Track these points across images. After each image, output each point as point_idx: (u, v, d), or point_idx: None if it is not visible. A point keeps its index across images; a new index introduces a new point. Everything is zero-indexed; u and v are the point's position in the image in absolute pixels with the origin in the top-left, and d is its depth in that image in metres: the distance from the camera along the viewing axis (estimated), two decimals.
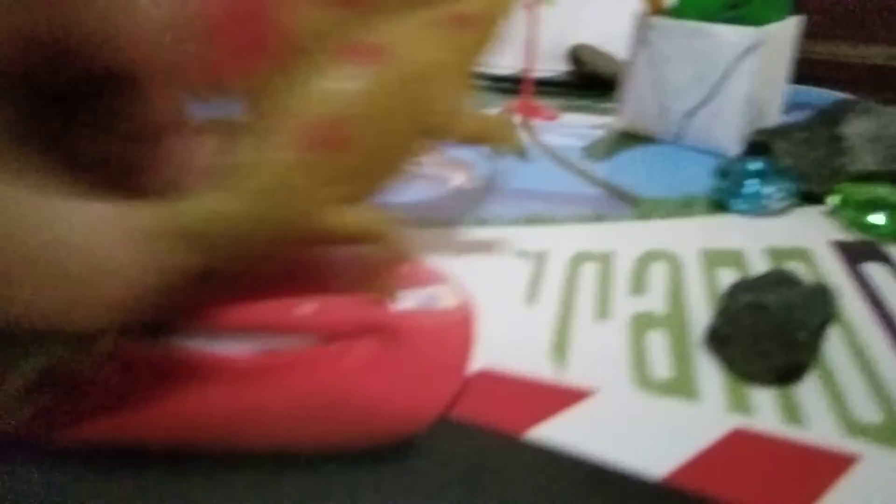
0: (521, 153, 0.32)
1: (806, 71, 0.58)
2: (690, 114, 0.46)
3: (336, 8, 0.25)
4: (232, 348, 0.25)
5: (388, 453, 0.21)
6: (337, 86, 0.24)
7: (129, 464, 0.21)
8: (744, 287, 0.26)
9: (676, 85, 0.46)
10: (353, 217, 0.26)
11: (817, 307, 0.24)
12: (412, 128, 0.27)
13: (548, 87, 0.61)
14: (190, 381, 0.23)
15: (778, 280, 0.26)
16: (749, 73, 0.44)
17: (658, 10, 0.46)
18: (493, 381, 0.24)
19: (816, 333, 0.24)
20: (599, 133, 0.51)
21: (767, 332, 0.24)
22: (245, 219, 0.22)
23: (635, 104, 0.49)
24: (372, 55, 0.25)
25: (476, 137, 0.30)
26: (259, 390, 0.23)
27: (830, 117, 0.41)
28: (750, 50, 0.43)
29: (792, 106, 0.58)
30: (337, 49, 0.25)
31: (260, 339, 0.25)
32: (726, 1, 0.44)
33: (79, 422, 0.22)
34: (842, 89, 0.64)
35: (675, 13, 0.46)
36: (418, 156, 0.28)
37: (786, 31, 0.47)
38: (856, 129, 0.39)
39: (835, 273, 0.32)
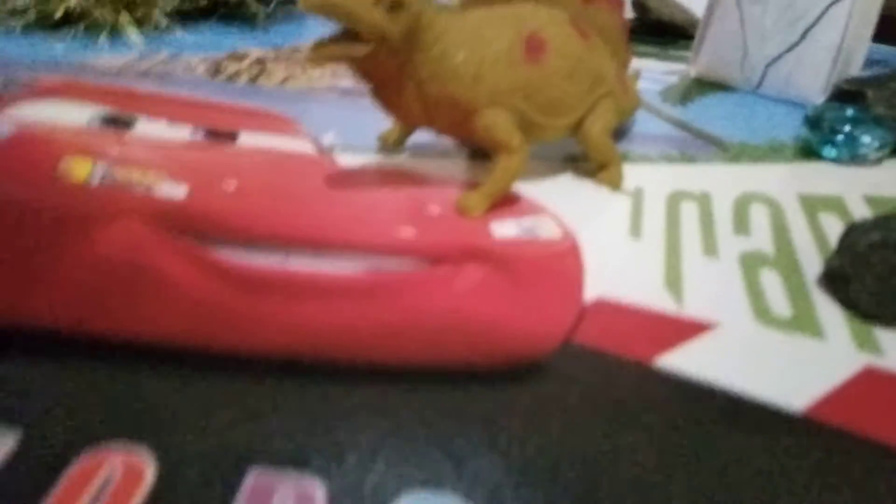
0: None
1: (881, 29, 0.56)
2: (774, 61, 0.45)
3: None
4: (336, 266, 0.24)
5: (514, 376, 0.21)
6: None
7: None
8: (867, 226, 0.25)
9: (763, 29, 0.44)
10: (507, 124, 0.28)
11: None
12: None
13: None
14: (297, 297, 0.23)
15: None
16: (842, 21, 0.42)
17: None
18: (612, 311, 0.23)
19: None
20: (673, 79, 0.49)
21: None
22: None
23: (714, 49, 0.47)
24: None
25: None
26: (369, 308, 0.22)
27: None
28: None
29: (868, 63, 0.56)
30: None
31: (364, 259, 0.25)
32: None
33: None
34: None
35: None
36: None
37: None
38: None
39: None
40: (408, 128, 0.33)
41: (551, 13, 0.30)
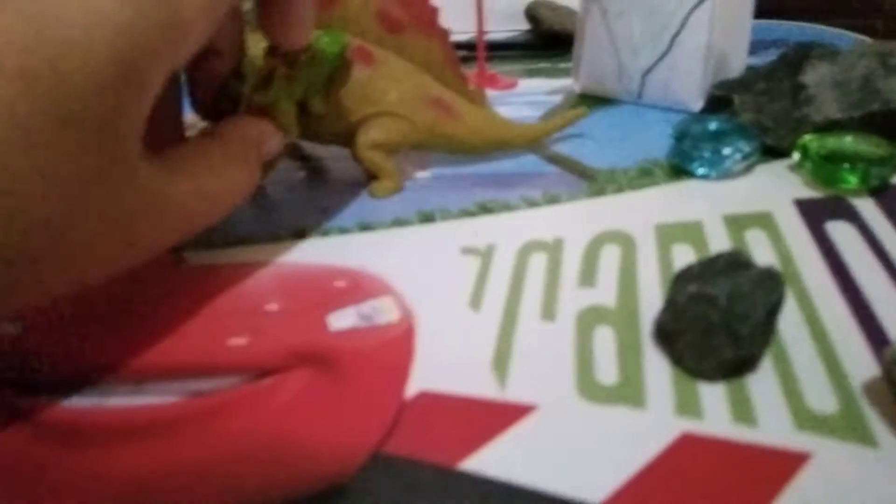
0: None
1: (769, 3, 0.55)
2: (648, 71, 0.44)
3: None
4: (155, 397, 0.24)
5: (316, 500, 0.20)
6: None
7: None
8: (691, 275, 0.24)
9: (631, 42, 0.44)
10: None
11: (763, 295, 0.23)
12: None
13: (506, 50, 0.59)
14: (109, 441, 0.22)
15: (727, 264, 0.24)
16: (705, 24, 0.41)
17: None
18: (431, 405, 0.23)
19: (764, 324, 0.22)
20: (557, 100, 0.48)
21: (714, 325, 0.22)
22: None
23: (591, 65, 0.47)
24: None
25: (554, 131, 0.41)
26: (182, 441, 0.22)
27: (790, 64, 0.39)
28: (703, 0, 0.41)
29: (758, 44, 0.55)
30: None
31: (188, 384, 0.24)
32: None
33: None
34: (802, 18, 0.62)
35: None
36: None
37: None
38: (816, 76, 0.37)
39: (797, 237, 0.31)
40: None
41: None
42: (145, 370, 0.25)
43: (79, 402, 0.23)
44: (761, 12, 0.49)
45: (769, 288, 0.23)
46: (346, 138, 0.37)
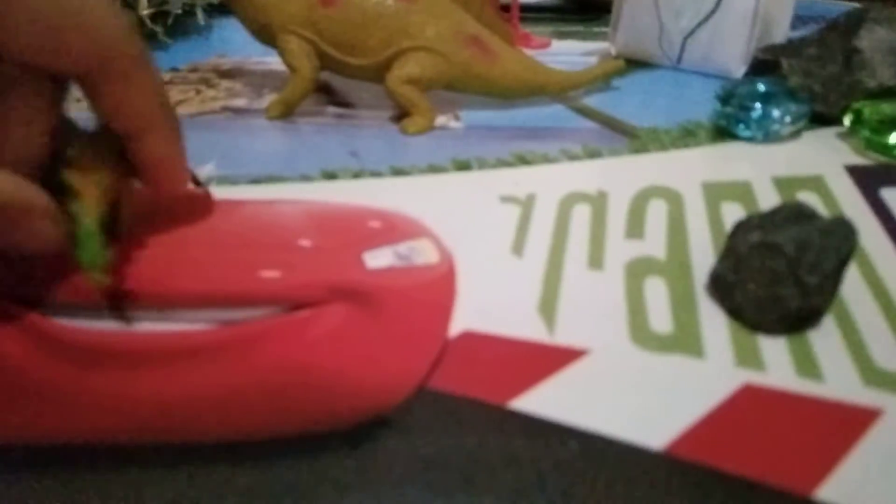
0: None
1: None
2: (691, 34, 0.43)
3: None
4: (187, 323, 0.23)
5: (359, 431, 0.19)
6: None
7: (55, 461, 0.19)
8: (752, 225, 0.23)
9: (676, 2, 0.42)
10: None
11: (834, 244, 0.21)
12: None
13: (539, 12, 0.57)
14: (141, 365, 0.21)
15: (790, 215, 0.23)
16: None
17: None
18: (476, 345, 0.22)
19: (833, 275, 0.21)
20: (591, 61, 0.47)
21: (778, 275, 0.21)
22: None
23: (630, 28, 0.45)
24: None
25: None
26: (211, 368, 0.21)
27: (843, 29, 0.37)
28: None
29: (799, 20, 0.54)
30: None
31: (218, 311, 0.23)
32: None
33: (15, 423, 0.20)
34: None
35: None
36: None
37: None
38: (871, 41, 0.35)
39: (851, 201, 0.29)
40: (293, 93, 0.37)
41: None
42: (174, 297, 0.23)
43: (106, 326, 0.22)
44: None
45: (840, 237, 0.21)
46: (379, 72, 0.36)
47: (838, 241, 0.21)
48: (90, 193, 0.22)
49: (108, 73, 0.21)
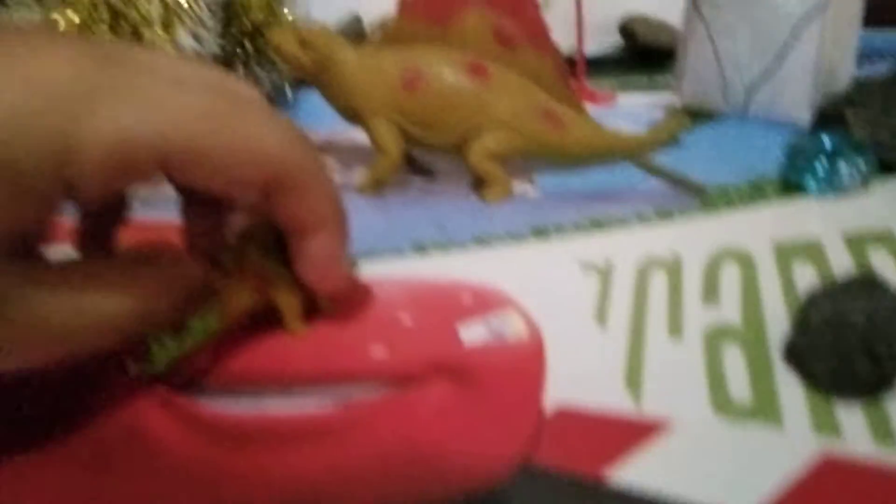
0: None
1: (879, 12, 0.54)
2: (755, 86, 0.44)
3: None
4: (307, 403, 0.26)
5: None
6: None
7: None
8: (823, 296, 0.25)
9: (737, 57, 0.44)
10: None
11: None
12: None
13: (601, 65, 0.60)
14: (272, 444, 0.24)
15: (860, 285, 0.25)
16: (814, 40, 0.41)
17: None
18: (570, 418, 0.24)
19: None
20: (658, 114, 0.49)
21: (851, 347, 0.23)
22: None
23: (694, 80, 0.47)
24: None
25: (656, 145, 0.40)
26: (342, 447, 0.24)
27: None
28: (812, 15, 0.41)
29: (866, 55, 0.54)
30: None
31: (334, 391, 0.26)
32: None
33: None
34: None
35: None
36: None
37: None
38: None
39: None
40: (384, 172, 0.40)
41: (443, 55, 0.39)
42: (298, 377, 0.26)
43: (241, 407, 0.25)
44: (867, 21, 0.48)
45: None
46: (458, 147, 0.39)
47: None
48: (229, 303, 0.25)
49: (282, 188, 0.23)
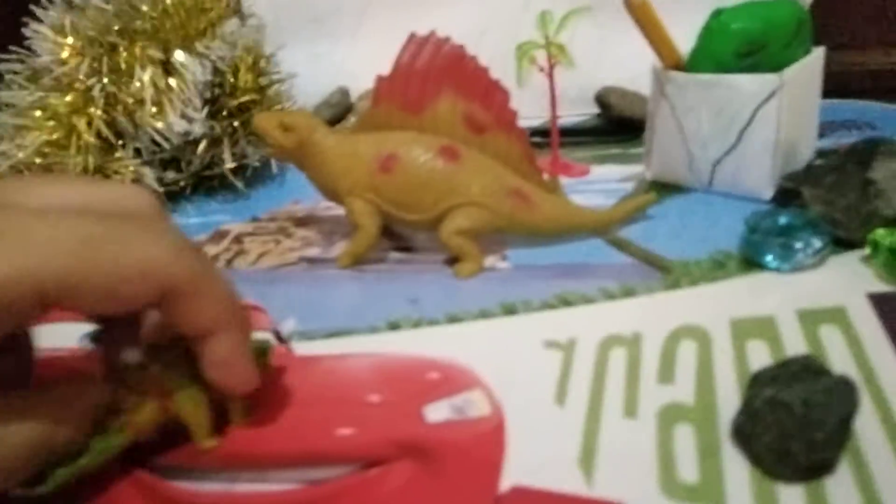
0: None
1: (839, 82, 0.56)
2: (718, 162, 0.46)
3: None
4: (277, 484, 0.27)
5: None
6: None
7: None
8: (766, 379, 0.26)
9: (700, 135, 0.46)
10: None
11: (839, 402, 0.24)
12: None
13: (576, 135, 0.62)
14: None
15: (802, 368, 0.26)
16: (773, 119, 0.43)
17: (673, 64, 0.47)
18: (522, 500, 0.25)
19: (840, 430, 0.24)
20: (628, 187, 0.51)
21: (789, 430, 0.24)
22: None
23: (661, 154, 0.49)
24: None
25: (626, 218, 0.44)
26: None
27: (859, 158, 0.40)
28: (770, 96, 0.43)
29: (828, 125, 0.56)
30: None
31: (301, 471, 0.27)
32: (739, 50, 0.43)
33: None
34: (877, 98, 0.63)
35: (690, 66, 0.46)
36: None
37: (809, 68, 0.46)
38: (885, 171, 0.38)
39: (871, 333, 0.32)
40: (360, 247, 0.42)
41: (416, 139, 0.41)
42: (267, 458, 0.27)
43: (211, 487, 0.27)
44: (826, 91, 0.50)
45: (844, 396, 0.24)
46: (433, 225, 0.41)
47: (841, 401, 0.24)
48: (132, 420, 0.25)
49: (174, 298, 0.23)
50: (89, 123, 0.49)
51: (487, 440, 0.28)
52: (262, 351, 0.28)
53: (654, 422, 0.28)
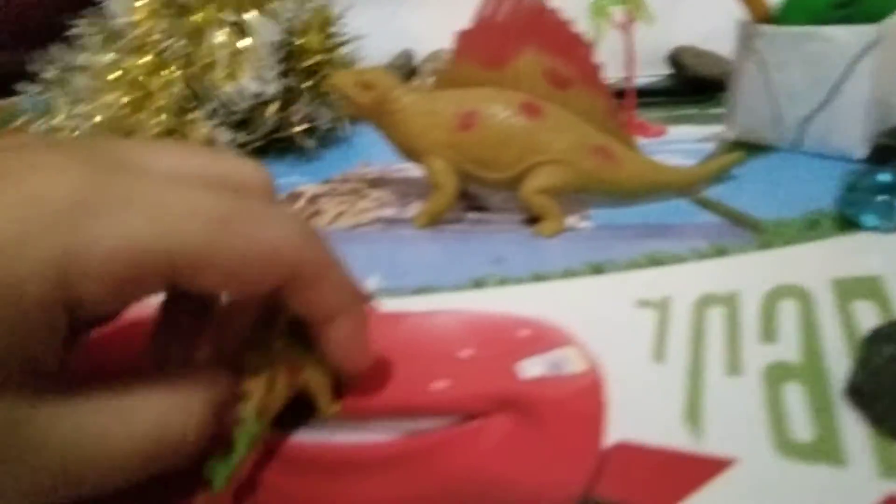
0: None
1: None
2: (808, 120, 0.44)
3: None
4: (377, 435, 0.27)
5: None
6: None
7: None
8: (884, 335, 0.25)
9: (790, 91, 0.44)
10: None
11: None
12: None
13: (649, 96, 0.60)
14: (340, 473, 0.25)
15: None
16: (869, 74, 0.41)
17: (762, 17, 0.45)
18: (629, 454, 0.24)
19: None
20: (709, 147, 0.49)
21: None
22: None
23: (746, 113, 0.48)
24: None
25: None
26: (408, 477, 0.25)
27: None
28: (867, 49, 0.41)
29: None
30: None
31: (399, 423, 0.27)
32: (834, 1, 0.41)
33: None
34: None
35: (781, 18, 0.44)
36: None
37: None
38: None
39: None
40: (439, 207, 0.41)
41: (497, 96, 0.40)
42: (365, 410, 0.27)
43: (311, 438, 0.27)
44: None
45: None
46: (513, 184, 0.40)
47: None
48: (259, 401, 0.24)
49: (298, 284, 0.22)
50: (164, 85, 0.49)
51: (586, 396, 0.27)
52: None
53: (760, 380, 0.27)
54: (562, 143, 0.39)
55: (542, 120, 0.39)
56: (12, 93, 0.56)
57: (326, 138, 0.56)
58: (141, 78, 0.49)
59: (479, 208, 0.44)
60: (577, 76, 0.40)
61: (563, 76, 0.40)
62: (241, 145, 0.53)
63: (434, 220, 0.42)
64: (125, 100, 0.49)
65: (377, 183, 0.50)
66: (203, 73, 0.49)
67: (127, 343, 0.27)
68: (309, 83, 0.53)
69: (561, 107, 0.40)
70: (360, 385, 0.28)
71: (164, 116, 0.49)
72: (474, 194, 0.45)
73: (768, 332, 0.30)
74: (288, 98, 0.53)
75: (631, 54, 0.51)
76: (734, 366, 0.28)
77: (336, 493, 0.24)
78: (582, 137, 0.40)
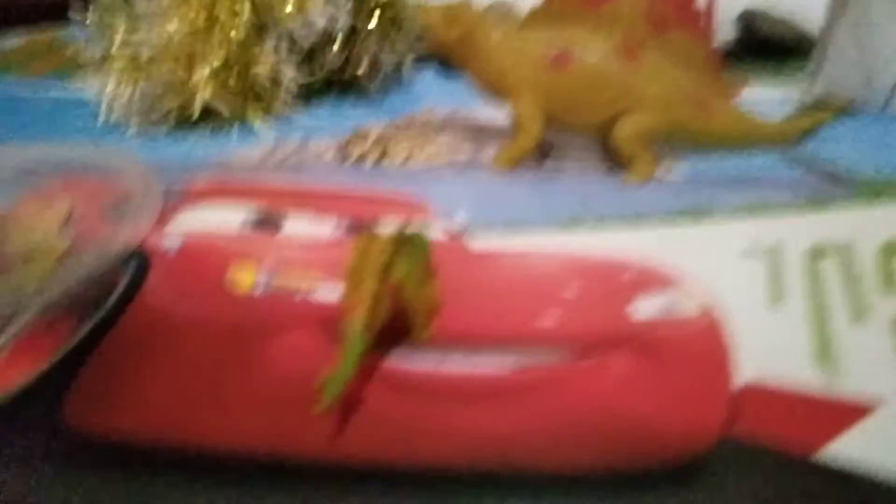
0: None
1: None
2: None
3: None
4: (486, 364, 0.26)
5: (668, 480, 0.21)
6: None
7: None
8: None
9: (884, 53, 0.43)
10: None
11: None
12: None
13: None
14: (448, 402, 0.24)
15: None
16: None
17: None
18: (763, 396, 0.23)
19: None
20: (786, 109, 0.48)
21: None
22: None
23: (833, 75, 0.46)
24: None
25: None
26: (524, 410, 0.24)
27: None
28: None
29: None
30: None
31: (511, 354, 0.26)
32: None
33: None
34: None
35: None
36: None
37: None
38: None
39: None
40: (522, 149, 0.40)
41: (593, 36, 0.38)
42: (474, 339, 0.26)
43: (420, 364, 0.26)
44: None
45: None
46: (599, 129, 0.39)
47: None
48: (365, 316, 0.24)
49: None
50: (231, 14, 0.48)
51: (707, 338, 0.26)
52: (420, 245, 0.27)
53: (888, 326, 0.26)
54: (657, 89, 0.38)
55: (639, 63, 0.38)
56: (66, 19, 0.54)
57: (389, 80, 0.54)
58: (208, 6, 0.47)
59: (559, 156, 0.43)
60: (678, 18, 0.38)
61: (664, 17, 0.38)
62: (303, 83, 0.51)
63: (514, 164, 0.40)
64: (190, 28, 0.47)
65: (444, 127, 0.48)
66: (271, 5, 0.48)
67: None
68: (375, 22, 0.51)
69: (658, 51, 0.38)
70: (466, 313, 0.27)
71: (230, 46, 0.47)
72: (549, 144, 0.44)
73: (889, 283, 0.28)
74: (353, 37, 0.51)
75: (711, 10, 0.49)
76: (857, 312, 0.27)
77: (442, 422, 0.24)
78: (678, 84, 0.38)
